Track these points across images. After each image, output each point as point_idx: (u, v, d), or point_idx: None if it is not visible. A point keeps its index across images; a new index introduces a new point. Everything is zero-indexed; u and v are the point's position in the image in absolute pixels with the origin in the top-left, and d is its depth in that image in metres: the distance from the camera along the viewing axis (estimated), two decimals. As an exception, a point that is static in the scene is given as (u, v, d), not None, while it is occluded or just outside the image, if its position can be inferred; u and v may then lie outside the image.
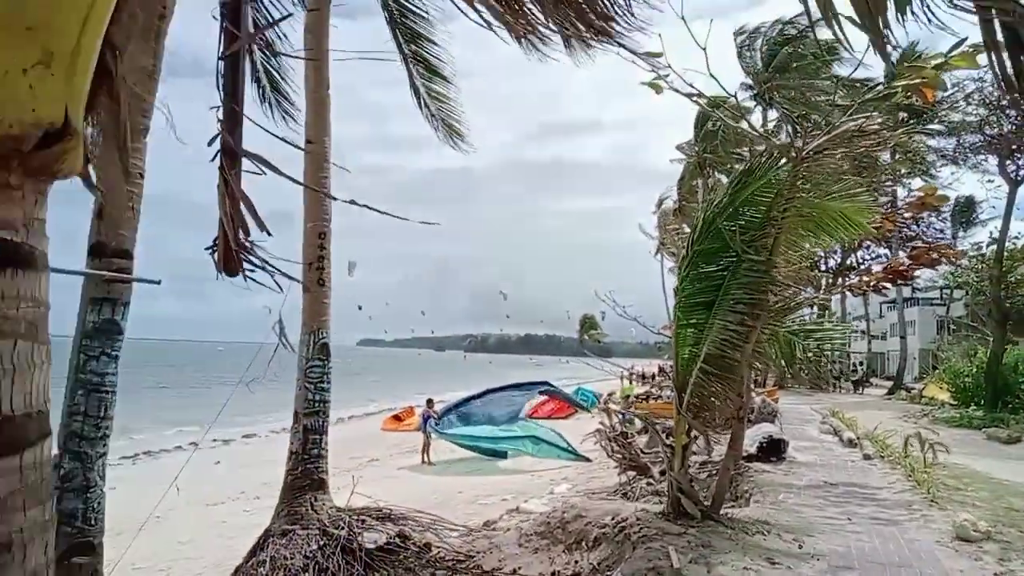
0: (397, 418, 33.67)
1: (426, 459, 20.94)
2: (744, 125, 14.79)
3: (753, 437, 13.31)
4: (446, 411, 21.97)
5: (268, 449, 23.91)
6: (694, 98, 6.43)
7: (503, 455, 20.77)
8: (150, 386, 61.28)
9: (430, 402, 22.55)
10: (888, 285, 40.01)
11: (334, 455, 24.13)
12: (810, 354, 8.15)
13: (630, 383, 40.44)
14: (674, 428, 7.57)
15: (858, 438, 15.97)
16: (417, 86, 12.72)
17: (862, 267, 43.48)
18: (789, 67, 26.43)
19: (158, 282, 5.23)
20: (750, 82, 28.68)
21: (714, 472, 11.14)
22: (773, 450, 13.20)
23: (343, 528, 7.46)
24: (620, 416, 19.73)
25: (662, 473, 8.39)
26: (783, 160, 7.15)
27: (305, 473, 8.24)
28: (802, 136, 7.15)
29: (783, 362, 8.53)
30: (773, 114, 28.69)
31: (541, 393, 24.27)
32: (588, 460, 18.31)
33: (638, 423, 19.43)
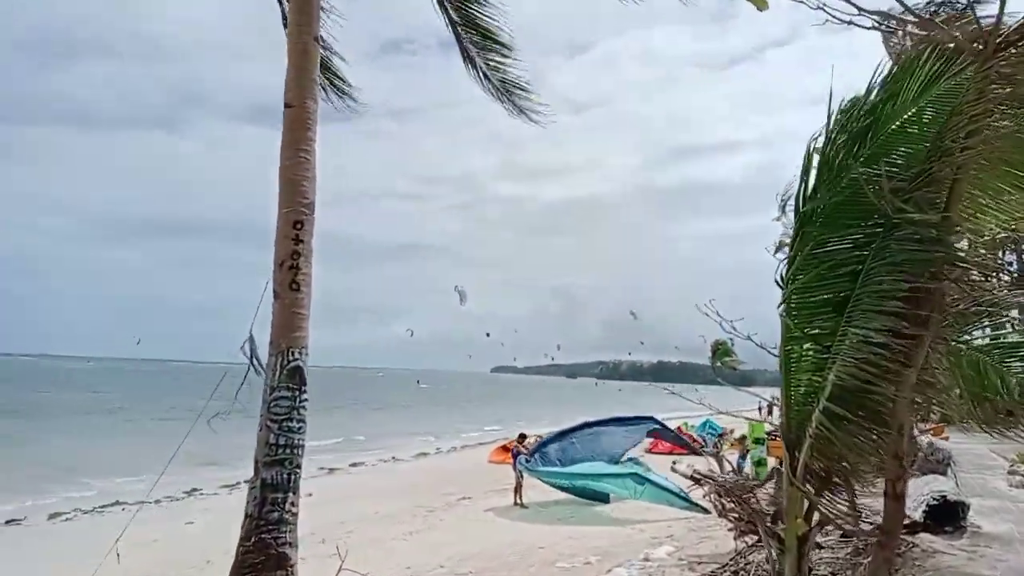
0: (505, 448, 31.46)
1: (518, 500, 18.55)
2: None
3: (917, 496, 9.84)
4: (539, 447, 19.44)
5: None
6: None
7: (603, 498, 17.94)
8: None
9: (522, 437, 20.15)
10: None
11: (427, 489, 22.63)
12: (1016, 385, 4.99)
13: (761, 419, 36.09)
14: (784, 509, 4.70)
15: (1072, 498, 11.85)
16: (472, 56, 10.60)
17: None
18: None
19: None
20: None
21: (862, 548, 7.97)
22: (947, 515, 9.67)
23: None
24: (739, 462, 16.44)
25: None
26: (962, 55, 4.23)
27: (260, 546, 6.02)
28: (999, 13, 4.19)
29: (968, 398, 5.36)
30: None
31: (649, 434, 21.15)
32: (706, 511, 15.10)
33: (772, 462, 16.06)
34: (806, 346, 4.76)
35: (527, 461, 18.68)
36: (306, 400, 6.52)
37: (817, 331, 4.68)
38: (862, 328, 4.17)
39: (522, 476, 18.63)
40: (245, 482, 24.99)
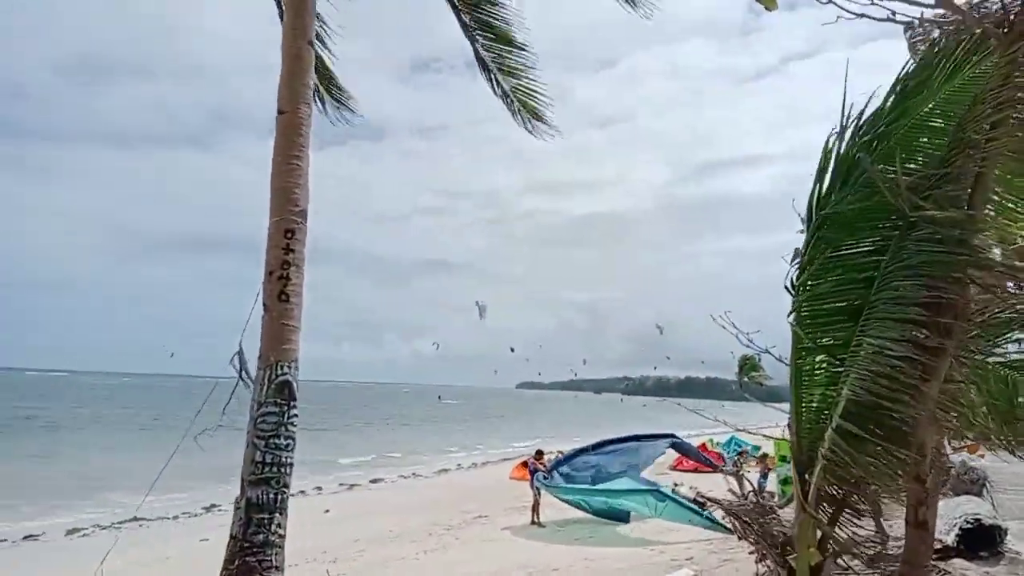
0: (525, 464, 31.03)
1: (536, 519, 18.09)
2: None
3: (949, 518, 9.31)
4: (557, 464, 18.99)
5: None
6: None
7: (623, 517, 17.42)
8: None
9: (539, 453, 19.69)
10: None
11: (445, 506, 22.26)
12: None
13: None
14: (795, 536, 4.28)
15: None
16: (485, 60, 10.33)
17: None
18: None
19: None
20: None
21: (889, 573, 7.48)
22: (982, 540, 9.13)
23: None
24: (759, 482, 15.82)
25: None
26: (986, 41, 3.86)
27: (244, 570, 5.74)
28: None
29: (996, 416, 4.90)
30: None
31: (674, 448, 20.57)
32: (729, 531, 14.53)
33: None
34: (818, 358, 4.38)
35: (545, 478, 18.24)
36: (295, 416, 6.26)
37: (830, 342, 4.30)
38: (878, 338, 3.79)
39: (539, 493, 18.20)
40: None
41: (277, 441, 6.07)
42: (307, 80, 6.90)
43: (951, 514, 9.43)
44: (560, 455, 20.50)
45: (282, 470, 6.08)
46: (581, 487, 18.05)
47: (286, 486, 6.11)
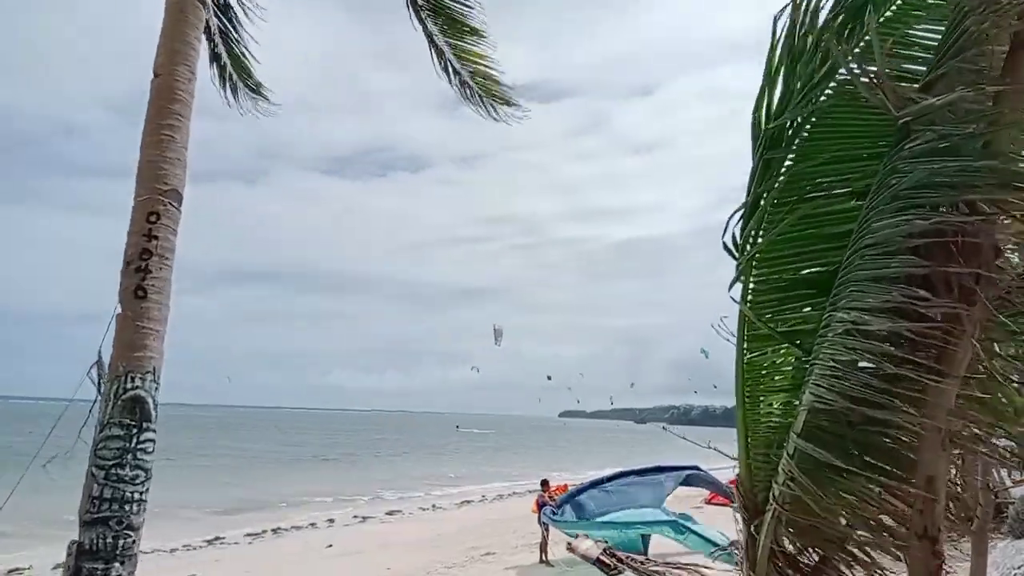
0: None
1: (544, 558, 16.59)
2: None
3: (1007, 567, 7.67)
4: (569, 496, 17.40)
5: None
6: None
7: (638, 551, 15.75)
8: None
9: (545, 484, 18.14)
10: None
11: (453, 542, 20.88)
12: None
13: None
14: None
15: None
16: (440, 46, 9.32)
17: None
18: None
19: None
20: None
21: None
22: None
23: None
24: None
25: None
26: None
27: (64, 637, 4.49)
28: None
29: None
30: None
31: (695, 481, 18.82)
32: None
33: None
34: (773, 350, 2.98)
35: (553, 513, 16.67)
36: (150, 441, 5.02)
37: (793, 326, 2.90)
38: (851, 309, 2.39)
39: (547, 530, 16.69)
40: (273, 531, 23.66)
41: (120, 472, 4.82)
42: (189, 40, 5.78)
43: (1009, 562, 7.76)
44: (568, 488, 18.92)
45: (126, 508, 4.82)
46: (590, 521, 16.46)
47: (130, 528, 4.85)
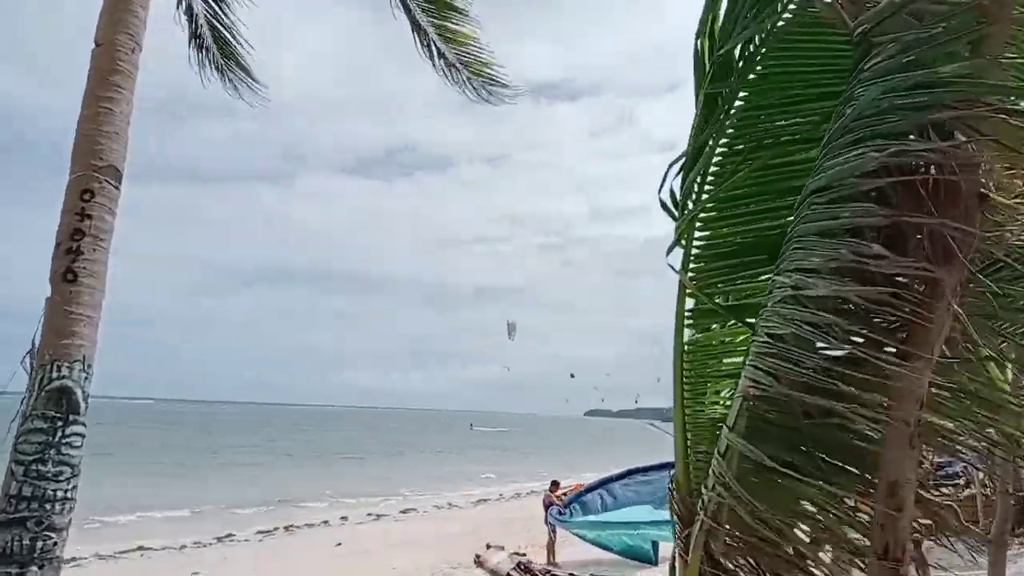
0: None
1: (551, 560, 16.07)
2: None
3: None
4: (576, 496, 16.92)
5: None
6: None
7: (649, 559, 15.28)
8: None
9: (555, 484, 17.65)
10: None
11: (462, 541, 20.53)
12: None
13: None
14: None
15: None
16: (424, 27, 8.95)
17: None
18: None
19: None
20: None
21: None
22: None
23: None
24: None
25: None
26: None
27: (-29, 648, 4.13)
28: None
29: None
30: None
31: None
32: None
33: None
34: (720, 328, 2.49)
35: (560, 513, 16.20)
36: (77, 435, 4.65)
37: (742, 296, 2.41)
38: (794, 270, 1.90)
39: (555, 532, 16.22)
40: (285, 528, 23.57)
41: (42, 468, 4.46)
42: (134, 8, 5.41)
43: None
44: (579, 487, 18.45)
45: (47, 508, 4.46)
46: (596, 519, 15.99)
47: (52, 529, 4.48)
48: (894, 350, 1.89)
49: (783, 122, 2.43)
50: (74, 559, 19.75)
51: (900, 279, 1.83)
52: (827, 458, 2.10)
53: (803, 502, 2.12)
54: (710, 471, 2.12)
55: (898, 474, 1.86)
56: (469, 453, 70.05)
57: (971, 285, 1.85)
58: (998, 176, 1.93)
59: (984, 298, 1.91)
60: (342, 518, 28.49)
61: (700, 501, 2.19)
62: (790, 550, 2.06)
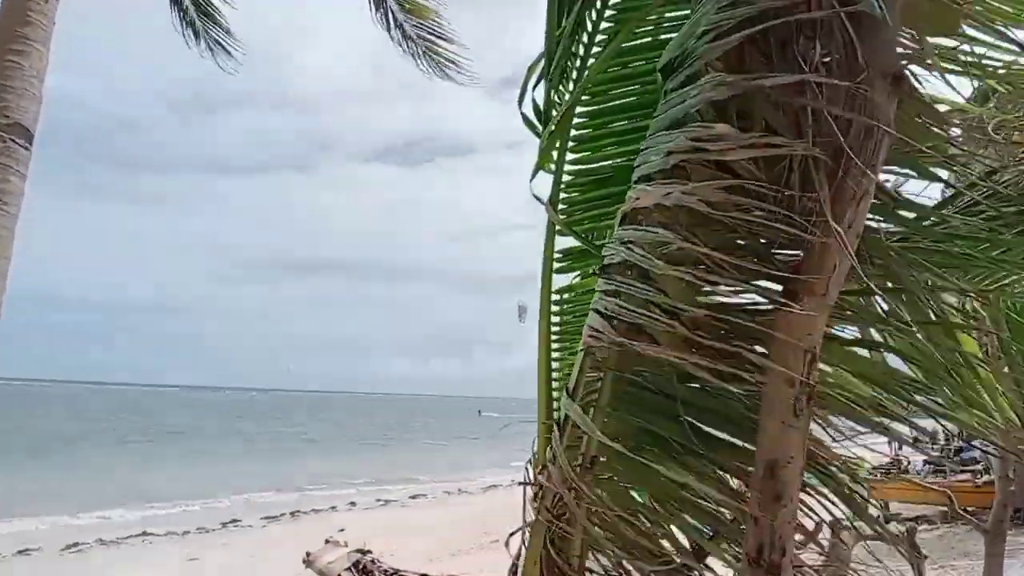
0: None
1: (552, 548, 15.68)
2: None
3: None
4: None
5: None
6: None
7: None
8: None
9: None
10: None
11: (466, 527, 20.24)
12: None
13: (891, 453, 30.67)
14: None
15: None
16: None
17: None
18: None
19: None
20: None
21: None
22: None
23: None
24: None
25: None
26: None
27: None
28: None
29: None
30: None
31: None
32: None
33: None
34: (594, 273, 2.02)
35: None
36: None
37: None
38: (637, 180, 1.42)
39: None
40: (291, 514, 23.45)
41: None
42: None
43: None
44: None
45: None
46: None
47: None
48: (780, 289, 1.41)
49: (672, 12, 1.93)
50: (76, 544, 19.82)
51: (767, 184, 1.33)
52: (707, 430, 1.63)
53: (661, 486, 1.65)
54: (552, 446, 1.65)
55: (777, 452, 1.38)
56: (489, 439, 69.82)
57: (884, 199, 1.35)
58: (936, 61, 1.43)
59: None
60: (350, 504, 28.36)
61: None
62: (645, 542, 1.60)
